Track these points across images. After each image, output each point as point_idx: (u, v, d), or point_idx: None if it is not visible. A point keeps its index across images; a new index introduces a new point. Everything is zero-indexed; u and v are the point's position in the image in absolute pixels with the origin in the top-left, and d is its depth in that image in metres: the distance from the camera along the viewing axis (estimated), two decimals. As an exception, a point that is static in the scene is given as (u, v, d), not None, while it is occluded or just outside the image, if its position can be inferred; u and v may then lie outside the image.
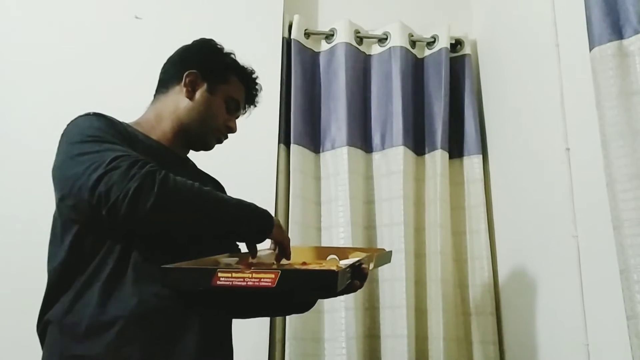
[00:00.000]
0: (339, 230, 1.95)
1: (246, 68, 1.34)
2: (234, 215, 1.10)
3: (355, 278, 1.10)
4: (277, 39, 2.10)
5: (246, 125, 1.89)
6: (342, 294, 1.19)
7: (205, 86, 1.25)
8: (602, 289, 1.42)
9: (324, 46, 2.18)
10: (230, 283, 0.96)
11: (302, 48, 2.13)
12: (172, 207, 1.01)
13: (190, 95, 1.25)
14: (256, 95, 1.38)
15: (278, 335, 1.86)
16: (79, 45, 1.95)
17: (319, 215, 2.02)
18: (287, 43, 2.12)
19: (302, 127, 2.04)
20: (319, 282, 0.97)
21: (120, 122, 1.17)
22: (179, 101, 1.25)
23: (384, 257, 1.47)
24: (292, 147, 2.00)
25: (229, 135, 1.35)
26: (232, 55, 1.33)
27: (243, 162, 1.88)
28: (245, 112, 1.39)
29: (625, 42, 1.33)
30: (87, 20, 1.98)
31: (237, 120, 1.35)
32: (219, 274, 0.97)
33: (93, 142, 1.05)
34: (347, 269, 1.03)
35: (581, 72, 1.47)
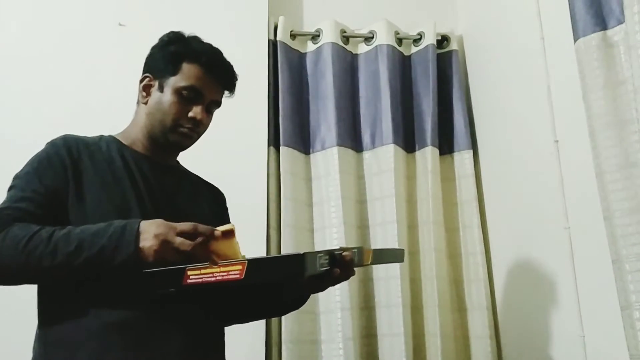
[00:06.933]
0: (332, 231, 1.94)
1: (200, 50, 1.23)
2: (81, 247, 1.00)
3: (336, 266, 1.06)
4: (262, 41, 2.09)
5: (235, 129, 1.91)
6: (326, 285, 1.16)
7: (156, 85, 1.22)
8: (596, 280, 1.42)
9: (310, 47, 2.17)
10: (201, 280, 0.96)
11: (289, 49, 2.12)
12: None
13: (146, 100, 1.24)
14: (224, 71, 1.26)
15: (274, 339, 1.85)
16: (63, 53, 1.93)
17: (311, 217, 2.01)
18: (273, 45, 2.11)
19: (291, 129, 2.03)
20: (287, 266, 0.95)
21: (81, 142, 1.17)
22: (141, 109, 1.25)
23: (390, 254, 1.42)
24: (282, 149, 1.99)
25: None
26: (190, 41, 1.25)
27: (233, 167, 1.87)
28: (218, 93, 1.25)
29: (609, 32, 1.34)
30: (71, 28, 1.96)
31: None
32: (189, 273, 0.97)
33: (10, 190, 1.11)
34: (320, 253, 1.01)
35: (567, 64, 1.47)
